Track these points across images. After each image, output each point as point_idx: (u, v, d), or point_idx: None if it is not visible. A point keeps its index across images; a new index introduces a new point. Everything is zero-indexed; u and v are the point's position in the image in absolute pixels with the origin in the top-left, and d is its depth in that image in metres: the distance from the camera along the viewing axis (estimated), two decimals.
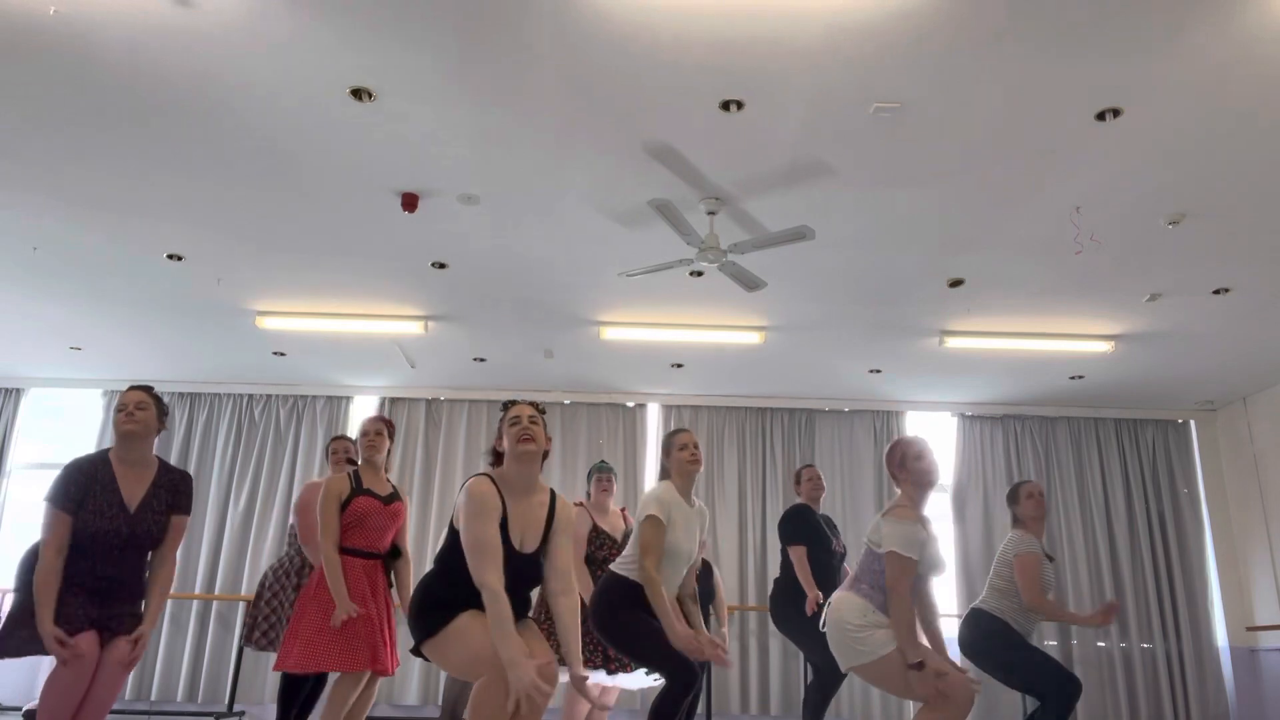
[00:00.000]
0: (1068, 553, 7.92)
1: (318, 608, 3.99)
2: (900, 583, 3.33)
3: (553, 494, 3.16)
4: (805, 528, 5.06)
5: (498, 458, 3.12)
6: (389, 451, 4.38)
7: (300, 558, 4.94)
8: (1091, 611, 4.28)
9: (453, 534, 2.99)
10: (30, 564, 3.51)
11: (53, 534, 3.21)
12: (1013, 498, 4.68)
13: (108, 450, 3.41)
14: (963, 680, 3.31)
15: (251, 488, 7.99)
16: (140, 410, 3.37)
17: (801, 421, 8.32)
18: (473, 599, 2.86)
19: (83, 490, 3.26)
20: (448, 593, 2.91)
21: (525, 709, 2.68)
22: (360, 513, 4.09)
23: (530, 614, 3.57)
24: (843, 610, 3.47)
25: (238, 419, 8.25)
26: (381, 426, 4.37)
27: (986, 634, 4.30)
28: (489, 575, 2.75)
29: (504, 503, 2.97)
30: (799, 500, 5.30)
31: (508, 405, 3.14)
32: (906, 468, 3.58)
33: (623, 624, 3.63)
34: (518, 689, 2.58)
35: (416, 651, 2.94)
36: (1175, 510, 8.08)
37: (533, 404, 3.14)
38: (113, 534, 3.27)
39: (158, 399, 3.48)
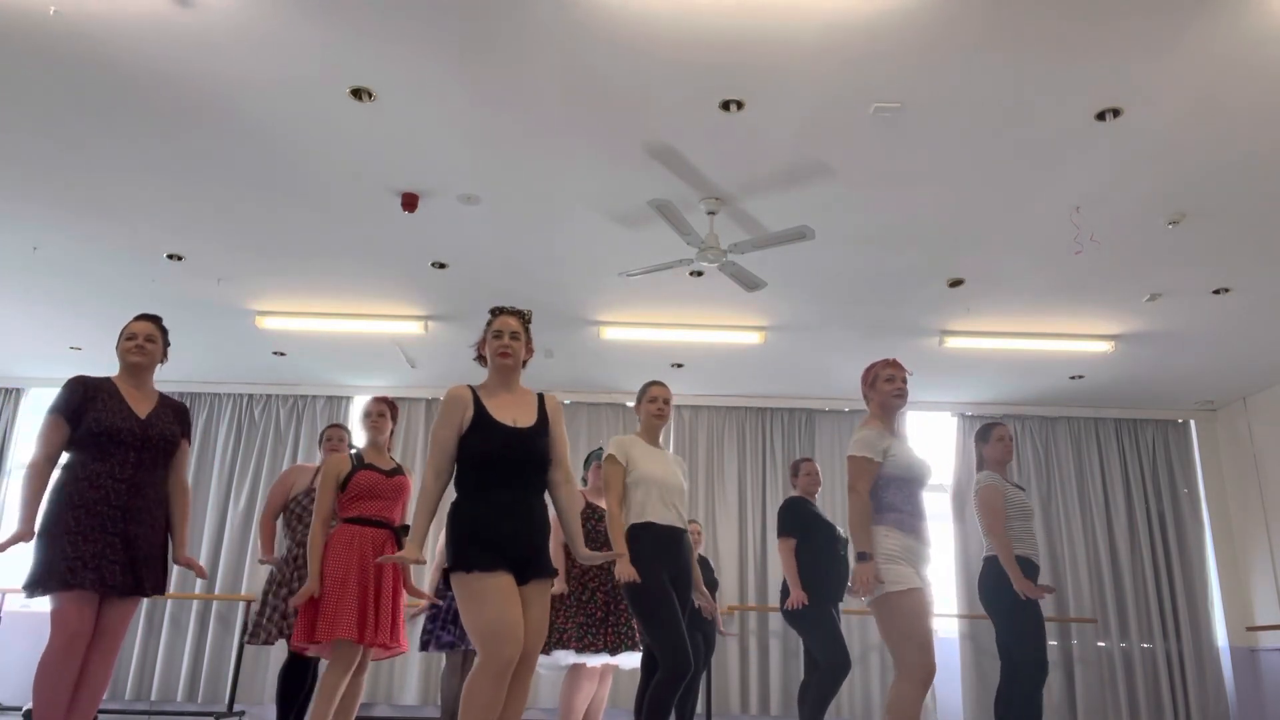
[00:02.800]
0: (1068, 553, 7.92)
1: (327, 581, 3.97)
2: (859, 482, 3.50)
3: (539, 393, 3.31)
4: (799, 520, 5.06)
5: (482, 358, 3.31)
6: (391, 433, 4.40)
7: (300, 549, 4.92)
8: (1038, 584, 4.36)
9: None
10: (52, 495, 3.30)
11: (45, 440, 3.29)
12: (983, 436, 4.65)
13: (110, 377, 3.50)
14: (926, 651, 3.32)
15: (251, 488, 7.98)
16: (149, 343, 3.51)
17: (801, 421, 8.32)
18: (485, 500, 3.01)
19: (84, 399, 3.34)
20: (466, 505, 3.03)
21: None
22: (365, 484, 4.11)
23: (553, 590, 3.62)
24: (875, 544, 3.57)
25: (238, 419, 8.25)
26: (384, 408, 4.38)
27: (995, 583, 4.42)
28: (430, 467, 3.09)
29: (481, 402, 3.15)
30: (795, 493, 5.30)
31: (495, 313, 3.27)
32: (876, 388, 3.72)
33: (645, 574, 3.80)
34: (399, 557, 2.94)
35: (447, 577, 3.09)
36: (1175, 510, 8.08)
37: (519, 314, 3.27)
38: (126, 431, 3.33)
39: (164, 330, 3.60)
